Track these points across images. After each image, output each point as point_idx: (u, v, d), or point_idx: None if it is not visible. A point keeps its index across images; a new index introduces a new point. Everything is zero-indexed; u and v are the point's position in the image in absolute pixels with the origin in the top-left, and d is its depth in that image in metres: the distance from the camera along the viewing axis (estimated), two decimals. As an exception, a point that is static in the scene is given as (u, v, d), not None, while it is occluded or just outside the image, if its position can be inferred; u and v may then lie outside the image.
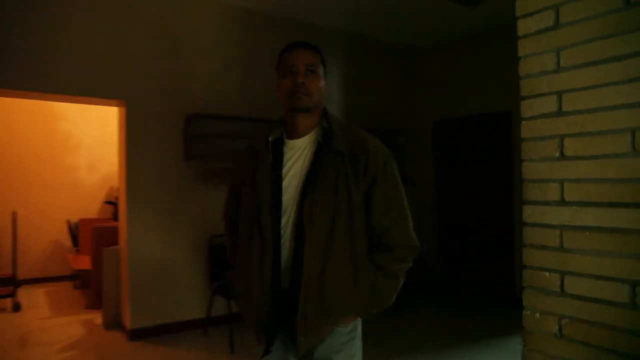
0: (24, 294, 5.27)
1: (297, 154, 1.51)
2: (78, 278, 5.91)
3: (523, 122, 1.47)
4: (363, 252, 1.46)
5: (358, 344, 1.55)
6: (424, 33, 5.37)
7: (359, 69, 5.48)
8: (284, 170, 1.49)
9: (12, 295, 4.90)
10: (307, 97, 1.47)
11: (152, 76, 4.03)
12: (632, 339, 1.22)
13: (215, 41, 4.37)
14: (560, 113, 1.37)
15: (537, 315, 1.42)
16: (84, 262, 5.35)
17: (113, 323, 4.25)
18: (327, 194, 1.41)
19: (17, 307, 4.84)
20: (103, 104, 4.42)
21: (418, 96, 6.00)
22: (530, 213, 1.45)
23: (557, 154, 1.38)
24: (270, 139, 1.53)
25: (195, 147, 4.17)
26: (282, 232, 1.46)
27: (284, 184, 1.47)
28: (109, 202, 6.53)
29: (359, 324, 1.56)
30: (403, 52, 5.92)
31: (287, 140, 1.54)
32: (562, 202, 1.36)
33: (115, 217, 5.87)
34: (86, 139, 6.62)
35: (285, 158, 1.51)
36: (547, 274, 1.40)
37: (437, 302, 5.33)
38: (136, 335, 3.94)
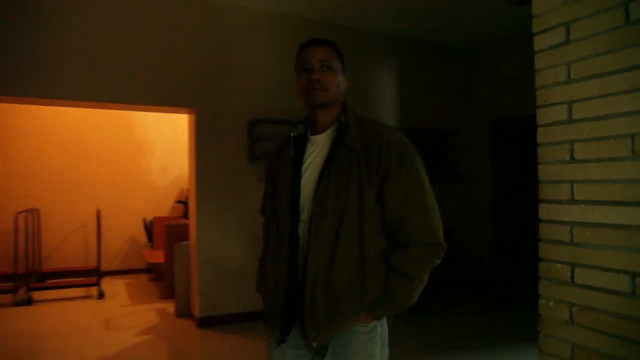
0: (106, 284, 5.89)
1: (317, 150, 1.52)
2: (153, 271, 6.50)
3: (539, 128, 1.63)
4: (376, 251, 1.44)
5: (379, 344, 1.50)
6: (478, 33, 5.43)
7: (413, 71, 5.64)
8: (304, 165, 1.51)
9: (97, 284, 5.52)
10: (324, 92, 1.48)
11: (219, 85, 4.42)
12: (633, 325, 1.36)
13: (276, 50, 4.70)
14: (570, 121, 1.53)
15: (551, 303, 1.59)
16: (158, 257, 5.90)
17: (183, 312, 4.70)
18: (338, 189, 1.42)
19: (101, 295, 5.45)
20: (174, 112, 4.90)
21: (474, 96, 6.05)
22: (545, 211, 1.61)
23: (568, 158, 1.53)
24: (292, 135, 1.56)
25: (259, 149, 4.52)
26: (302, 227, 1.47)
27: (303, 180, 1.49)
28: (179, 202, 7.10)
29: (381, 324, 1.52)
30: (458, 53, 6.00)
31: (310, 137, 1.56)
32: (572, 201, 1.52)
33: (185, 215, 6.41)
34: (159, 144, 7.23)
35: (307, 154, 1.53)
36: (559, 265, 1.56)
37: (490, 300, 5.37)
38: (204, 323, 4.35)
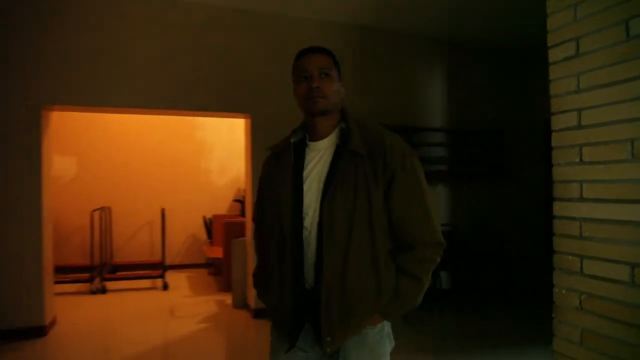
0: (170, 277, 6.40)
1: (319, 156, 1.55)
2: (212, 265, 6.97)
3: (553, 133, 1.81)
4: (385, 253, 1.48)
5: (387, 343, 1.55)
6: (530, 32, 5.47)
7: (465, 72, 5.75)
8: (306, 171, 1.54)
9: (161, 277, 6.04)
10: (324, 100, 1.50)
11: (273, 92, 4.76)
12: (633, 311, 1.53)
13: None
14: (579, 126, 1.70)
15: (563, 291, 1.76)
16: (217, 252, 6.35)
17: (240, 303, 5.08)
18: (346, 194, 1.44)
19: (165, 287, 5.96)
20: (231, 117, 5.30)
21: (527, 95, 6.07)
22: (558, 208, 1.79)
23: (578, 160, 1.71)
24: (292, 141, 1.59)
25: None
26: (306, 233, 1.49)
27: (305, 185, 1.52)
28: (237, 201, 7.56)
29: (386, 325, 1.55)
30: (510, 52, 6.05)
31: (309, 143, 1.59)
32: (581, 199, 1.70)
33: (242, 213, 6.84)
34: (217, 146, 7.72)
35: (307, 160, 1.55)
36: (570, 257, 1.74)
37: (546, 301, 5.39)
38: (259, 314, 4.70)
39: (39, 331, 4.06)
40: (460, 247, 5.35)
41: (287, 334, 1.52)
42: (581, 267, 1.70)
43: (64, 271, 6.06)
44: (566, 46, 1.75)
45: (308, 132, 1.60)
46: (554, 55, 1.81)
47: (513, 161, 5.88)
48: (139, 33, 4.35)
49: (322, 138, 1.56)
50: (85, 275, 5.96)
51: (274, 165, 1.63)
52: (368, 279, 1.45)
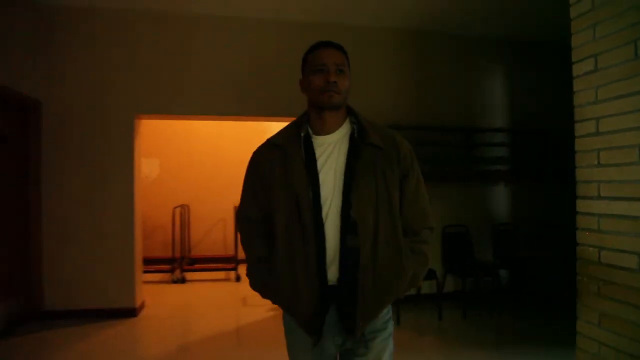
0: (242, 270, 6.98)
1: (330, 149, 1.58)
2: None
3: (576, 139, 2.06)
4: (402, 237, 1.58)
5: (391, 321, 1.66)
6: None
7: (522, 72, 5.84)
8: (319, 164, 1.56)
9: (234, 269, 6.63)
10: (339, 95, 1.54)
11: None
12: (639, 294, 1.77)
13: (389, 62, 5.30)
14: (597, 133, 1.95)
15: (585, 279, 2.01)
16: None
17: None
18: (368, 185, 1.52)
19: (238, 278, 6.55)
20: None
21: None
22: (580, 205, 2.04)
23: (596, 163, 1.96)
24: (302, 134, 1.60)
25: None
26: (324, 226, 1.52)
27: (321, 176, 1.54)
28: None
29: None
30: (566, 50, 6.05)
31: (315, 136, 1.61)
32: (599, 197, 1.94)
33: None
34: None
35: (318, 153, 1.58)
36: (590, 249, 1.98)
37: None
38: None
39: (131, 312, 4.71)
40: (520, 245, 5.49)
41: (310, 327, 1.53)
42: (599, 257, 1.94)
43: (149, 262, 6.80)
44: (587, 62, 2.00)
45: (311, 127, 1.62)
46: (577, 69, 2.06)
47: (569, 161, 5.90)
48: (218, 52, 4.90)
49: (328, 132, 1.60)
50: (168, 266, 6.66)
51: (278, 158, 1.60)
52: (395, 263, 1.54)
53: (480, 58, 5.67)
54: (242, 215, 1.75)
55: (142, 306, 4.98)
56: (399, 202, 1.57)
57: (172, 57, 4.79)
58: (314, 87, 1.56)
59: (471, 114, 5.58)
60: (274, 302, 1.65)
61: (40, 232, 4.55)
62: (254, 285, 1.67)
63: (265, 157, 1.66)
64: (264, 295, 1.67)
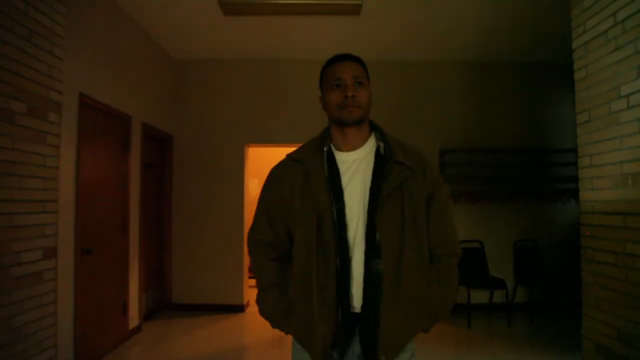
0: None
1: (355, 166, 1.53)
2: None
3: (579, 169, 2.89)
4: (428, 264, 1.53)
5: (415, 355, 1.58)
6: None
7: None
8: (344, 181, 1.50)
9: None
10: (359, 109, 1.50)
11: (413, 121, 6.06)
12: (620, 282, 2.56)
13: (456, 91, 6.16)
14: (591, 166, 2.78)
15: (585, 273, 2.82)
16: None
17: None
18: (395, 205, 1.46)
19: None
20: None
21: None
22: (581, 218, 2.86)
23: (590, 187, 2.78)
24: (325, 149, 1.55)
25: (447, 173, 5.96)
26: (350, 247, 1.46)
27: (345, 195, 1.48)
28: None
29: None
30: None
31: (338, 152, 1.56)
32: (594, 213, 2.76)
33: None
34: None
35: (342, 170, 1.52)
36: (589, 250, 2.80)
37: None
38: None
39: (240, 308, 5.93)
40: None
41: (337, 354, 1.47)
42: (594, 257, 2.75)
43: (251, 269, 8.08)
44: (583, 114, 2.84)
45: (333, 142, 1.58)
46: (579, 119, 2.90)
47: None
48: (303, 90, 6.04)
49: (353, 149, 1.56)
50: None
51: (299, 174, 1.55)
52: (420, 291, 1.49)
53: (545, 82, 6.33)
54: (254, 238, 1.69)
55: (247, 304, 6.17)
56: (425, 225, 1.54)
57: (269, 96, 6.04)
58: (332, 103, 1.53)
59: (541, 135, 6.23)
60: (285, 332, 1.60)
61: (170, 240, 5.92)
62: (263, 312, 1.63)
63: (284, 174, 1.61)
64: (275, 323, 1.61)
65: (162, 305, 5.84)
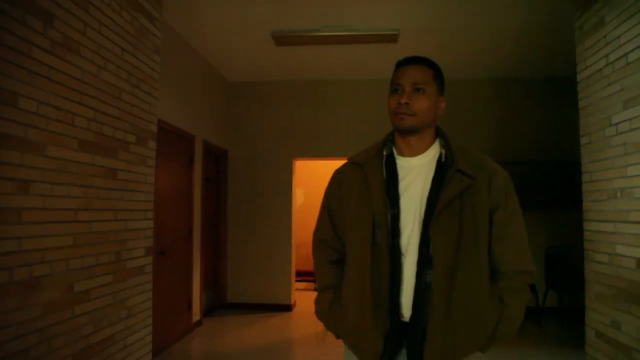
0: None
1: (415, 173, 1.52)
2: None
3: (583, 184, 3.50)
4: (488, 279, 1.47)
5: None
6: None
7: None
8: (401, 186, 1.49)
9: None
10: (411, 117, 1.47)
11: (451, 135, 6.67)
12: (608, 277, 3.15)
13: (491, 104, 6.76)
14: (590, 181, 3.38)
15: (587, 270, 3.42)
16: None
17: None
18: (453, 216, 1.42)
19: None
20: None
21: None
22: (586, 225, 3.46)
23: (590, 200, 3.38)
24: (385, 153, 1.56)
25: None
26: (403, 255, 1.46)
27: (403, 199, 1.47)
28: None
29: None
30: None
31: (399, 157, 1.56)
32: (588, 221, 3.36)
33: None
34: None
35: (400, 175, 1.52)
36: (589, 252, 3.40)
37: None
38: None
39: (288, 307, 6.68)
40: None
41: None
42: (593, 257, 3.35)
43: (297, 274, 8.86)
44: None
45: (396, 147, 1.59)
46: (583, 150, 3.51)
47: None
48: (344, 107, 6.78)
49: (414, 154, 1.55)
50: (311, 277, 8.62)
51: (357, 178, 1.58)
52: (474, 307, 1.44)
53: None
54: (318, 238, 1.74)
55: (294, 304, 6.91)
56: (488, 239, 1.49)
57: (314, 113, 6.80)
58: (389, 108, 1.54)
59: (573, 147, 6.71)
60: (337, 336, 1.63)
61: (226, 245, 6.75)
62: (319, 314, 1.69)
63: (345, 176, 1.65)
64: (329, 326, 1.66)
65: (218, 304, 6.66)
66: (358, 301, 1.50)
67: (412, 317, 1.44)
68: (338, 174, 1.72)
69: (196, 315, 5.66)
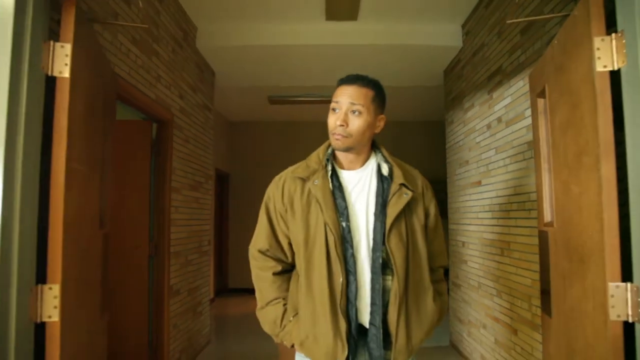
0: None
1: (360, 185, 1.73)
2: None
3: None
4: (429, 277, 1.75)
5: None
6: None
7: None
8: (347, 198, 1.70)
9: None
10: (346, 139, 1.65)
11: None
12: None
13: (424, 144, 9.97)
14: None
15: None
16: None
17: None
18: (400, 223, 1.66)
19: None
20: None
21: None
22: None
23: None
24: (329, 168, 1.73)
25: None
26: (355, 262, 1.65)
27: (350, 212, 1.68)
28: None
29: None
30: None
31: (340, 170, 1.76)
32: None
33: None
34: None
35: (349, 186, 1.73)
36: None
37: None
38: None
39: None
40: None
41: None
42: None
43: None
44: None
45: (336, 161, 1.79)
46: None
47: None
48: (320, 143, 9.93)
49: (353, 168, 1.78)
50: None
51: (302, 191, 1.72)
52: (424, 303, 1.72)
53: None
54: (255, 249, 1.94)
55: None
56: (424, 240, 1.76)
57: (298, 145, 9.88)
58: (328, 125, 1.70)
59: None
60: (289, 345, 1.76)
61: (227, 244, 9.82)
62: (269, 327, 1.83)
63: (289, 187, 1.78)
64: (282, 337, 1.79)
65: (222, 289, 9.75)
66: (315, 310, 1.66)
67: (371, 321, 1.65)
68: (280, 183, 1.83)
69: (211, 295, 8.68)
